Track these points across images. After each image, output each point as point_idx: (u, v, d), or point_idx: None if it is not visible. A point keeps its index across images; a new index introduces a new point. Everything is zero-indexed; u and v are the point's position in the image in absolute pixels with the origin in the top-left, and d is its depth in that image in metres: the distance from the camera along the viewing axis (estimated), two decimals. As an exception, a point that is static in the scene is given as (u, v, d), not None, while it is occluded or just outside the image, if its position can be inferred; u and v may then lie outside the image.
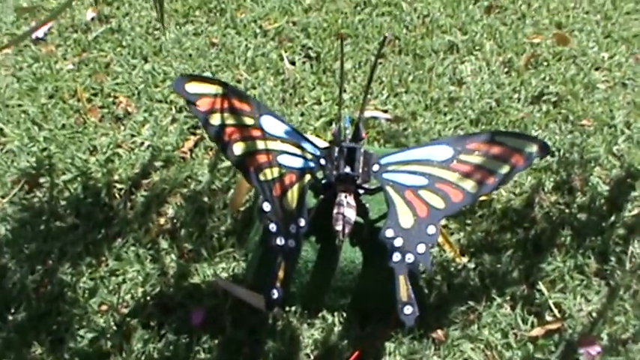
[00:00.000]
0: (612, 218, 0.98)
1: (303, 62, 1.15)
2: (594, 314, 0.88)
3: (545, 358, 0.83)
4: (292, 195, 0.78)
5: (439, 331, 0.85)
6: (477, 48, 1.22)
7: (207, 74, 1.10)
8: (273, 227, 0.78)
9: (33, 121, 1.01)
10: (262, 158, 0.77)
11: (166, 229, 0.91)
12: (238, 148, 0.77)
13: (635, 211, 1.00)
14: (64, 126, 1.01)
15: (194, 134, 1.02)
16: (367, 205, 0.84)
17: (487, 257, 0.92)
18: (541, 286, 0.90)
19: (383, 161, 0.83)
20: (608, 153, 1.06)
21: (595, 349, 0.86)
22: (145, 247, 0.89)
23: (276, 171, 0.78)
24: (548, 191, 1.01)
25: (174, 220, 0.92)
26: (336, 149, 0.82)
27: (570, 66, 1.19)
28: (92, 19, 1.16)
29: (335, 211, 0.80)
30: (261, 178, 0.78)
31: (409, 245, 0.78)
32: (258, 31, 1.19)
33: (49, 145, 0.98)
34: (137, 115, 1.03)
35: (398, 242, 0.79)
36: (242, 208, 0.94)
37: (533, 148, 0.80)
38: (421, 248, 0.78)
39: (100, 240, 0.90)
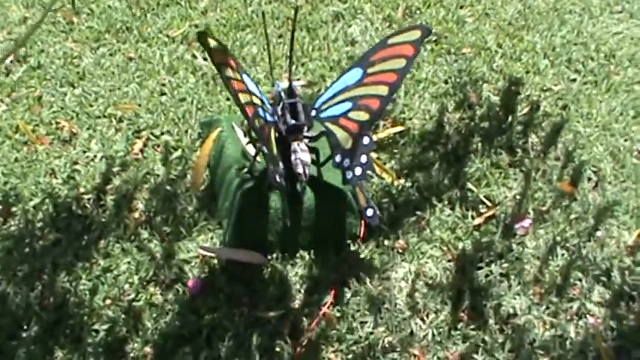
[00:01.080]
0: (509, 119, 1.17)
1: (215, 57, 1.27)
2: (518, 197, 1.06)
3: (489, 239, 1.00)
4: (271, 144, 0.89)
5: (400, 241, 1.00)
6: (358, 12, 1.38)
7: (133, 86, 1.19)
8: (279, 167, 0.88)
9: (-15, 161, 1.07)
10: (251, 110, 0.87)
11: (142, 221, 1.01)
12: (241, 98, 0.85)
13: (525, 111, 1.19)
14: (16, 159, 1.07)
15: (139, 137, 1.11)
16: (316, 148, 0.97)
17: (419, 174, 1.08)
18: (470, 185, 1.07)
19: (316, 105, 0.97)
20: (490, 70, 1.25)
21: (527, 222, 1.04)
22: (128, 241, 0.98)
23: (260, 121, 0.89)
24: (452, 111, 1.19)
25: (147, 212, 1.01)
26: (280, 106, 0.95)
27: (439, 9, 1.38)
28: (11, 61, 1.22)
29: (292, 157, 0.93)
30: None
31: (355, 160, 0.92)
32: (166, 39, 1.29)
33: (8, 179, 1.04)
34: (83, 134, 1.11)
35: (346, 162, 0.92)
36: (202, 187, 1.05)
37: (417, 34, 0.91)
38: (363, 158, 0.92)
39: (86, 245, 0.98)
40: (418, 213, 1.04)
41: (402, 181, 1.08)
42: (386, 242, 1.00)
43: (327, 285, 0.94)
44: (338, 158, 0.93)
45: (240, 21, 1.35)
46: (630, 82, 1.27)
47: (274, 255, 0.97)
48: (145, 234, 0.99)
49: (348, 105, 0.94)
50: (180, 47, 1.28)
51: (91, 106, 1.16)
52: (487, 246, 0.99)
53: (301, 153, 0.93)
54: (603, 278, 0.95)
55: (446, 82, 1.23)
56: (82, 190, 1.04)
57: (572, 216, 1.03)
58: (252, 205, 0.96)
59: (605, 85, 1.26)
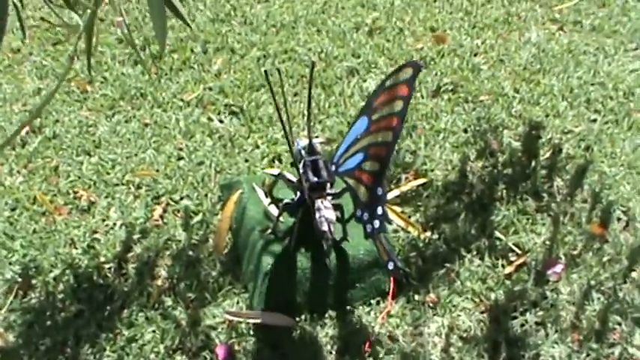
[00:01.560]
0: (532, 164, 1.15)
1: (231, 118, 1.26)
2: (547, 242, 1.03)
3: (522, 288, 0.97)
4: None
5: (430, 295, 0.97)
6: (372, 66, 1.38)
7: (150, 152, 1.19)
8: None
9: (4, 233, 1.06)
10: None
11: (165, 288, 0.98)
12: None
13: (548, 154, 1.17)
14: (35, 230, 1.06)
15: (158, 203, 1.10)
16: (340, 204, 0.95)
17: (445, 226, 1.06)
18: (498, 234, 1.04)
19: (335, 160, 0.95)
20: (509, 116, 1.24)
21: (559, 268, 1.00)
22: (152, 309, 0.95)
23: None
24: (474, 160, 1.17)
25: (170, 279, 0.99)
26: (301, 164, 0.94)
27: (454, 58, 1.38)
28: (26, 132, 1.22)
29: (317, 215, 0.91)
30: None
31: (372, 213, 0.90)
32: (181, 103, 1.30)
33: (27, 251, 1.03)
34: (101, 202, 1.10)
35: (365, 216, 0.90)
36: (225, 251, 1.03)
37: (409, 72, 0.85)
38: (379, 210, 0.90)
39: (109, 316, 0.95)
40: (447, 265, 1.01)
41: (428, 233, 1.06)
42: (416, 297, 0.97)
43: (359, 345, 0.91)
44: (358, 212, 0.91)
45: (254, 81, 1.35)
46: (652, 120, 1.26)
47: (302, 316, 0.94)
48: (168, 301, 0.96)
49: (360, 156, 0.92)
50: (196, 111, 1.28)
51: (108, 173, 1.15)
52: (520, 294, 0.96)
53: (325, 210, 0.91)
54: (645, 322, 0.92)
55: (465, 131, 1.22)
56: (102, 259, 1.02)
57: (605, 258, 1.00)
58: (279, 266, 0.94)
59: (626, 124, 1.24)
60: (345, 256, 0.96)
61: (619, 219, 1.07)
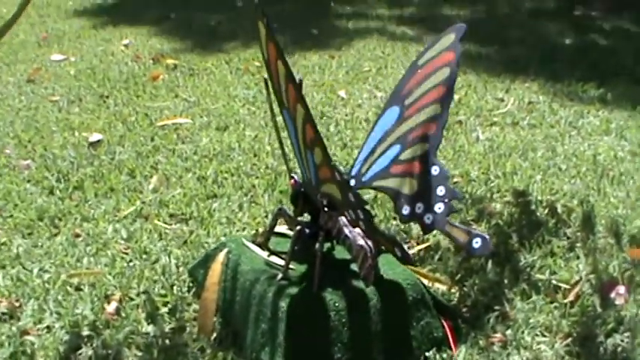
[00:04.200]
0: (536, 217, 1.03)
1: (181, 225, 1.05)
2: (589, 275, 0.88)
3: (594, 313, 0.79)
4: None
5: (496, 335, 0.76)
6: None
7: (87, 259, 0.93)
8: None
9: None
10: None
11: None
12: None
13: (546, 211, 1.07)
14: None
15: (108, 301, 0.83)
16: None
17: (475, 277, 0.87)
18: (537, 275, 0.88)
19: (353, 173, 0.79)
20: (488, 191, 1.14)
21: (621, 290, 0.85)
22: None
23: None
24: (474, 222, 1.03)
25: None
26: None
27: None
28: None
29: (346, 232, 0.71)
30: None
31: (428, 201, 0.72)
32: (116, 217, 1.06)
33: None
34: (29, 306, 0.81)
35: (419, 208, 0.73)
36: (214, 335, 0.76)
37: (452, 37, 0.80)
38: (440, 190, 0.73)
39: None
40: (497, 308, 0.82)
41: (456, 288, 0.87)
42: (480, 341, 0.75)
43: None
44: (405, 209, 0.73)
45: (200, 193, 1.16)
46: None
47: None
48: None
49: (396, 149, 0.78)
50: (138, 220, 1.06)
51: (34, 281, 0.87)
52: (594, 320, 0.78)
53: (351, 229, 0.72)
54: None
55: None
56: (41, 362, 0.71)
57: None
58: (302, 312, 0.70)
59: (607, 180, 1.18)
60: (384, 294, 0.74)
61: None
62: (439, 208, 0.71)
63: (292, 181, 0.78)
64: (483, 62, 2.07)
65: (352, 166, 0.81)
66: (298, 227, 0.74)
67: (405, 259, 0.72)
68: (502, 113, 1.49)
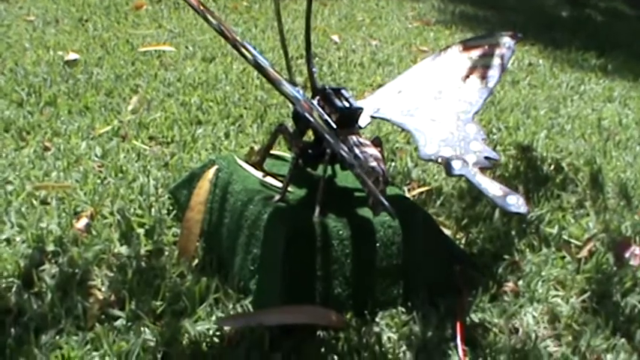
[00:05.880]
0: (543, 172, 0.97)
1: (161, 147, 0.96)
2: (602, 232, 0.83)
3: (610, 270, 0.73)
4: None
5: (509, 285, 0.70)
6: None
7: (56, 174, 0.83)
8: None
9: None
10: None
11: (110, 302, 0.61)
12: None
13: (552, 167, 1.01)
14: None
15: (78, 218, 0.74)
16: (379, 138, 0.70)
17: (482, 226, 0.81)
18: (546, 229, 0.82)
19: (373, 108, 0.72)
20: (491, 142, 1.08)
21: (637, 250, 0.79)
22: (89, 330, 0.57)
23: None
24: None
25: (114, 293, 0.62)
26: (316, 100, 0.68)
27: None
28: None
29: (357, 151, 0.63)
30: None
31: (459, 146, 0.65)
32: (91, 135, 0.97)
33: None
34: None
35: (445, 152, 0.64)
36: (196, 261, 0.68)
37: (506, 39, 0.79)
38: (475, 145, 0.65)
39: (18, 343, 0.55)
40: (506, 257, 0.75)
41: (462, 234, 0.80)
42: (492, 290, 0.68)
43: (436, 350, 0.59)
44: (430, 150, 0.65)
45: (183, 117, 1.07)
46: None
47: (348, 315, 0.61)
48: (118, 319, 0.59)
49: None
50: (115, 140, 0.96)
51: (-4, 190, 0.78)
52: (610, 277, 0.73)
53: (365, 147, 0.64)
54: None
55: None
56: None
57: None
58: (302, 239, 0.62)
59: (612, 143, 1.13)
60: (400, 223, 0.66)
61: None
62: (471, 158, 0.64)
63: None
64: (482, 24, 2.00)
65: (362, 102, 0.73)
66: (301, 146, 0.66)
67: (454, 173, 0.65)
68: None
